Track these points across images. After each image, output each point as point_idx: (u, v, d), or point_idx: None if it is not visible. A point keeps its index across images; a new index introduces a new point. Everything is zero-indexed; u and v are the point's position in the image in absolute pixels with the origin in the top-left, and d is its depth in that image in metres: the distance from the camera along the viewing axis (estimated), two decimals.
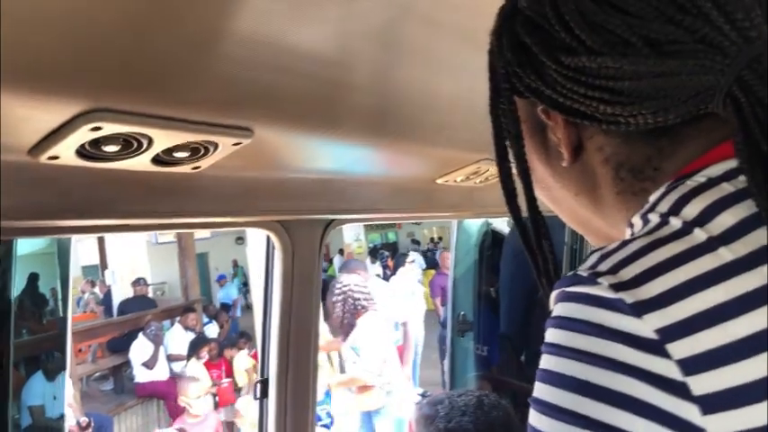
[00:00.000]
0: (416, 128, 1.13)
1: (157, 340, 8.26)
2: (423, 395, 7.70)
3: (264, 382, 1.18)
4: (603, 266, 0.49)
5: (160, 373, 8.31)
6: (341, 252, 16.82)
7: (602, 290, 0.47)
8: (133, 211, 0.85)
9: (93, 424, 6.83)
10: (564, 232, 2.51)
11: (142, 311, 9.30)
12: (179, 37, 0.66)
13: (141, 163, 0.78)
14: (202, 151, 0.81)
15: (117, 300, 11.10)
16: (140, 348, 8.23)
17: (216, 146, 0.81)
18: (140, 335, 8.26)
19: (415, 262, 9.79)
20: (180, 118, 0.74)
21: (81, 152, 0.72)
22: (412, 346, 7.50)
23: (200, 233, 12.05)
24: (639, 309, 0.46)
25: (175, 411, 8.12)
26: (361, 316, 3.53)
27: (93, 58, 0.62)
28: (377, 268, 14.99)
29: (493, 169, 1.44)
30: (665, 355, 0.45)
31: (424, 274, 12.85)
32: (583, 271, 0.50)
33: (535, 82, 0.57)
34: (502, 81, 0.61)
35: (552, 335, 0.50)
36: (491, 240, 2.45)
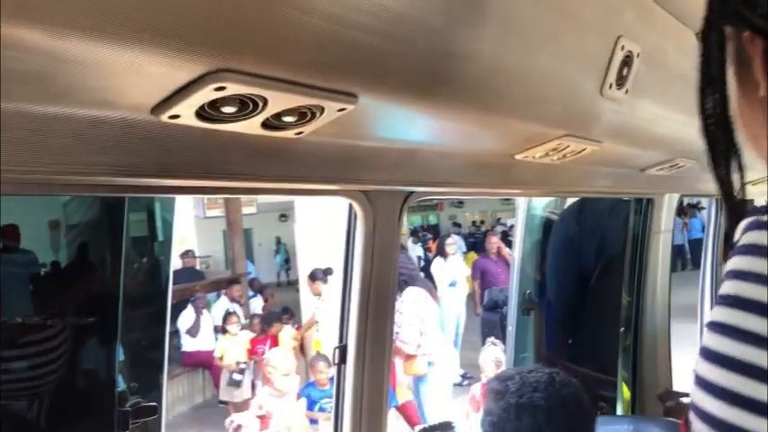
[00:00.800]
0: (506, 99, 1.13)
1: (200, 310, 8.44)
2: (463, 376, 7.68)
3: (343, 348, 1.21)
4: None
5: (206, 343, 8.51)
6: None
7: None
8: (240, 174, 0.87)
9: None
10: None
11: (190, 283, 9.51)
12: (294, 2, 0.67)
13: (252, 126, 0.80)
14: (309, 116, 0.83)
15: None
16: (187, 318, 8.43)
17: (322, 110, 0.83)
18: (189, 305, 8.46)
19: (455, 244, 9.78)
20: (293, 80, 0.75)
21: (200, 113, 0.74)
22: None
23: (245, 208, 12.22)
24: None
25: (219, 381, 8.33)
26: (404, 290, 3.67)
27: (218, 20, 0.64)
28: (418, 249, 15.00)
29: (572, 146, 1.43)
30: None
31: (465, 258, 12.83)
32: None
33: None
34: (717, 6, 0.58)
35: (738, 262, 0.48)
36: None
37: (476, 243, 14.38)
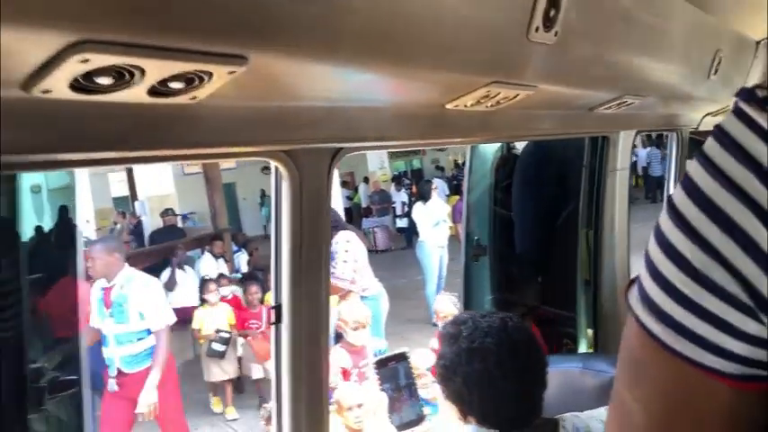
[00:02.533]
0: (422, 51, 1.10)
1: (176, 265, 8.46)
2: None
3: (278, 308, 1.21)
4: None
5: (191, 299, 8.57)
6: (365, 180, 16.88)
7: (763, 118, 0.47)
8: (132, 144, 0.86)
9: None
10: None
11: (172, 241, 9.51)
12: None
13: (137, 95, 0.78)
14: (197, 81, 0.80)
15: (147, 230, 11.36)
16: (165, 275, 8.47)
17: (210, 75, 0.80)
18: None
19: (438, 188, 9.80)
20: (170, 47, 0.73)
21: (74, 85, 0.72)
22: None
23: (225, 163, 12.13)
24: None
25: None
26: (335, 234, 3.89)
27: None
28: (402, 195, 15.04)
29: (504, 92, 1.41)
30: None
31: (448, 200, 12.87)
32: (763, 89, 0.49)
33: None
34: None
35: (706, 143, 0.51)
36: (506, 163, 2.43)
37: (459, 185, 14.40)
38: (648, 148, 16.00)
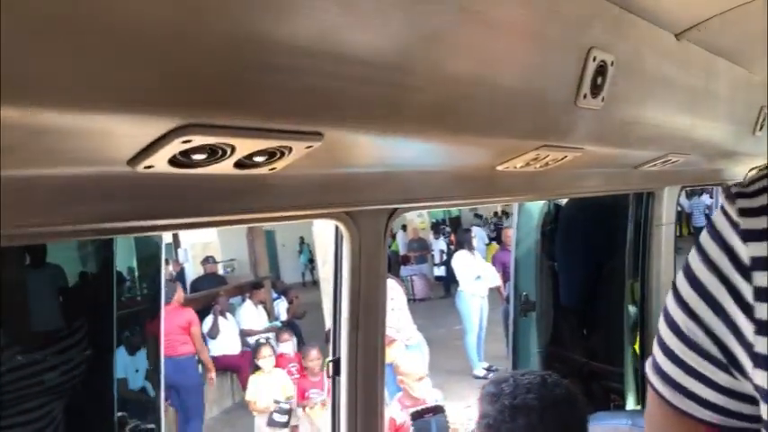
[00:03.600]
0: (475, 120, 1.18)
1: (218, 313, 8.52)
2: (488, 369, 7.70)
3: (336, 362, 1.27)
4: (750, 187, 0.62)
5: (233, 347, 8.66)
6: (404, 228, 16.94)
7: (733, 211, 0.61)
8: (217, 210, 0.94)
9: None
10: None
11: (214, 288, 9.67)
12: (253, 56, 0.73)
13: (225, 168, 0.86)
14: (278, 155, 0.89)
15: (190, 277, 11.57)
16: (208, 323, 8.59)
17: (290, 149, 0.89)
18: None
19: (477, 237, 9.80)
20: (259, 127, 0.81)
21: (173, 161, 0.81)
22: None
23: None
24: (747, 236, 0.58)
25: (247, 384, 8.46)
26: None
27: (183, 79, 0.70)
28: (441, 243, 15.03)
29: (552, 155, 1.47)
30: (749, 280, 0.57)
31: (488, 249, 12.82)
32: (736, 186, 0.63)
33: None
34: None
35: (702, 234, 0.65)
36: (552, 218, 2.47)
37: (499, 234, 14.36)
38: (692, 199, 15.77)
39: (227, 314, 8.92)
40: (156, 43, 0.65)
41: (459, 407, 4.44)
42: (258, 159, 0.88)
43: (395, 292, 4.36)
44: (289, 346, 7.45)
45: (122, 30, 0.61)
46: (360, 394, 1.28)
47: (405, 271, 14.95)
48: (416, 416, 1.82)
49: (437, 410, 1.81)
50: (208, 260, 10.75)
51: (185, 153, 0.80)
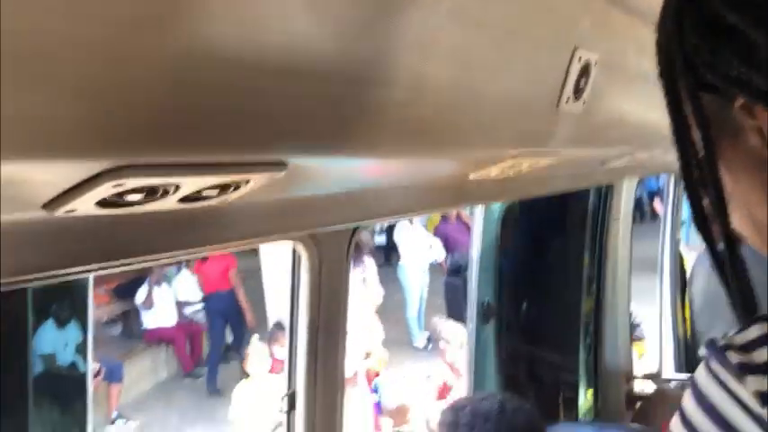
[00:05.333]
0: (455, 133, 1.05)
1: (153, 283, 8.24)
2: (428, 340, 7.71)
3: (292, 396, 1.14)
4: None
5: (168, 318, 8.40)
6: None
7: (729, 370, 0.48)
8: (157, 248, 0.78)
9: (103, 369, 6.94)
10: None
11: None
12: (198, 79, 0.58)
13: (168, 204, 0.71)
14: (233, 188, 0.73)
15: None
16: (142, 293, 8.30)
17: (248, 181, 0.73)
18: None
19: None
20: (209, 163, 0.66)
21: (102, 203, 0.64)
22: None
23: None
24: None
25: (183, 356, 8.26)
26: None
27: (113, 112, 0.54)
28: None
29: (527, 163, 1.36)
30: None
31: (428, 221, 12.82)
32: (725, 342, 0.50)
33: (737, 69, 0.47)
34: (683, 75, 0.51)
35: (686, 397, 0.51)
36: (513, 214, 2.40)
37: None
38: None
39: (164, 284, 8.63)
40: (79, 70, 0.48)
41: (398, 377, 4.43)
42: (208, 194, 0.72)
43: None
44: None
45: (34, 54, 0.45)
46: (318, 430, 1.16)
47: None
48: None
49: None
50: None
51: (118, 194, 0.64)
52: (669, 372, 2.95)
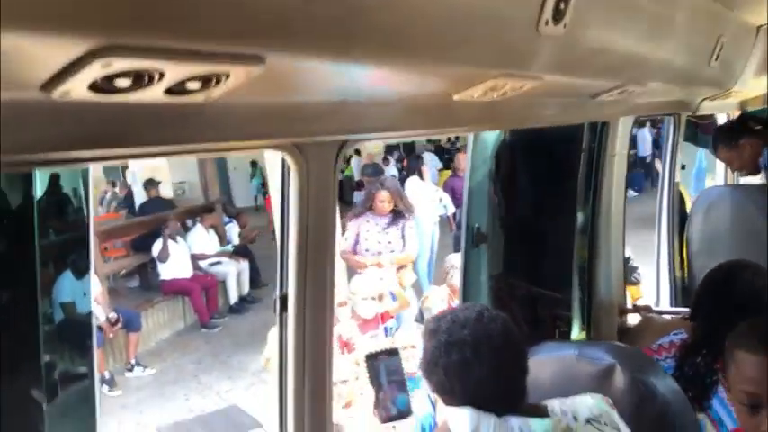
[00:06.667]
0: (433, 45, 1.10)
1: (167, 236, 8.40)
2: None
3: (284, 298, 1.23)
4: None
5: (184, 271, 8.59)
6: (357, 152, 16.81)
7: None
8: (145, 141, 0.86)
9: (121, 319, 7.15)
10: None
11: (162, 212, 9.48)
12: None
13: (154, 95, 0.78)
14: (214, 81, 0.80)
15: (138, 200, 11.30)
16: (158, 246, 8.47)
17: (227, 75, 0.80)
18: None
19: (428, 164, 9.77)
20: (190, 50, 0.72)
21: (94, 87, 0.72)
22: None
23: None
24: None
25: (199, 307, 8.46)
26: None
27: None
28: (392, 169, 14.98)
29: (511, 84, 1.41)
30: None
31: (440, 175, 12.84)
32: None
33: None
34: None
35: None
36: (506, 146, 2.44)
37: (451, 159, 14.37)
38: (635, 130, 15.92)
39: (179, 238, 8.80)
40: None
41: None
42: (192, 86, 0.79)
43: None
44: None
45: None
46: (308, 333, 1.24)
47: (357, 196, 14.94)
48: (370, 357, 1.83)
49: (391, 353, 1.81)
50: (151, 184, 10.46)
51: (108, 79, 0.71)
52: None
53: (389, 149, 16.75)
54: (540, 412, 1.47)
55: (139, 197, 11.35)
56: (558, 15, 1.30)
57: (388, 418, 1.74)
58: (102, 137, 0.80)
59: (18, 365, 1.90)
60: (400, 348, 2.07)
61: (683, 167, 3.47)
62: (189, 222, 9.83)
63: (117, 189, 12.10)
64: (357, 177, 16.29)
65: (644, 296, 3.88)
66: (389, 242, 4.69)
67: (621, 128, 2.50)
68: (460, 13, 1.09)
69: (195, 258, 8.85)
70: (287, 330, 1.24)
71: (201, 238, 9.17)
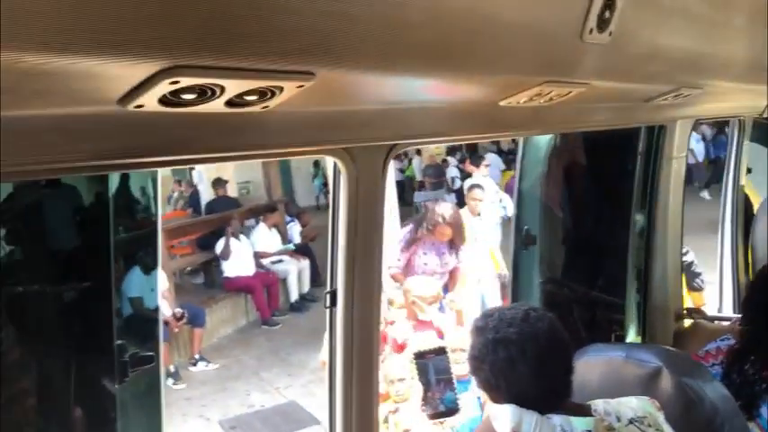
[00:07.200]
0: (476, 56, 1.15)
1: (230, 235, 8.64)
2: None
3: (333, 293, 1.30)
4: None
5: (247, 269, 8.84)
6: (418, 152, 16.85)
7: None
8: (209, 148, 0.94)
9: (186, 314, 7.42)
10: None
11: (227, 210, 9.77)
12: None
13: (216, 107, 0.86)
14: (269, 94, 0.88)
15: (204, 198, 11.68)
16: (221, 244, 8.73)
17: (281, 89, 0.88)
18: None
19: (491, 165, 9.70)
20: (247, 68, 0.81)
21: (163, 100, 0.81)
22: None
23: None
24: None
25: (261, 304, 8.69)
26: None
27: (170, 21, 0.69)
28: (453, 170, 14.93)
29: (556, 90, 1.45)
30: None
31: (503, 176, 12.73)
32: None
33: None
34: None
35: None
36: (559, 150, 2.44)
37: (515, 160, 14.17)
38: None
39: (242, 236, 9.05)
40: None
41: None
42: (250, 98, 0.88)
43: None
44: None
45: None
46: (356, 328, 1.31)
47: (418, 197, 14.96)
48: (419, 356, 1.87)
49: (439, 352, 1.85)
50: (219, 183, 10.80)
51: (175, 93, 0.80)
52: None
53: (451, 150, 16.73)
54: (584, 412, 1.49)
55: (205, 196, 11.70)
56: (602, 24, 1.33)
57: (435, 415, 1.79)
58: (171, 144, 0.89)
59: (93, 354, 2.05)
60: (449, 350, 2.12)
61: (749, 171, 3.38)
62: (253, 221, 10.11)
63: (183, 188, 12.51)
64: (419, 178, 16.33)
65: (706, 303, 3.80)
66: (446, 263, 4.81)
67: (679, 130, 2.47)
68: (502, 25, 1.14)
69: (258, 256, 9.10)
70: (335, 325, 1.32)
71: (264, 237, 9.42)
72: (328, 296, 1.30)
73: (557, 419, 1.44)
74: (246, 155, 1.04)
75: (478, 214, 5.90)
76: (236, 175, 13.37)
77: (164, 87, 0.77)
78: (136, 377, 2.02)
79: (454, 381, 1.79)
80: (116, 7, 0.64)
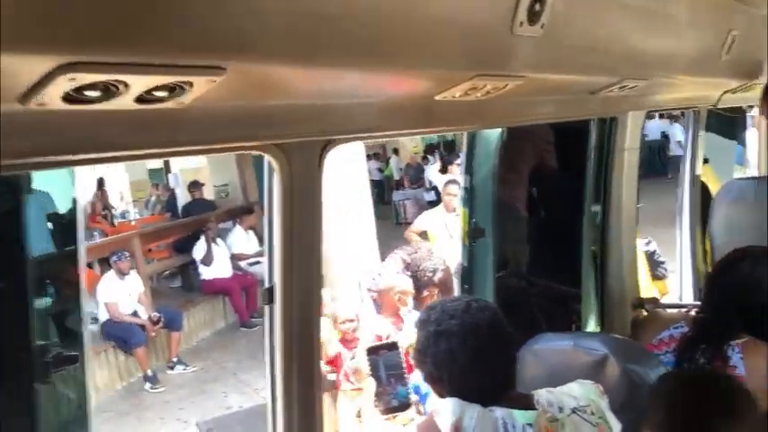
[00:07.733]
0: (404, 49, 1.16)
1: (211, 240, 8.57)
2: None
3: (270, 290, 1.31)
4: None
5: (224, 271, 8.79)
6: (395, 152, 16.87)
7: None
8: (122, 145, 0.94)
9: (163, 318, 7.38)
10: None
11: (204, 214, 9.72)
12: None
13: (125, 103, 0.86)
14: (179, 90, 0.88)
15: (181, 202, 11.61)
16: (200, 249, 8.68)
17: (191, 84, 0.88)
18: (201, 236, 8.68)
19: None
20: (149, 63, 0.81)
21: (67, 98, 0.81)
22: None
23: None
24: None
25: (239, 307, 8.65)
26: None
27: (69, 16, 0.69)
28: (430, 169, 15.00)
29: (491, 84, 1.46)
30: None
31: None
32: None
33: None
34: None
35: None
36: (508, 143, 2.45)
37: None
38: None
39: (218, 239, 9.01)
40: None
41: None
42: (160, 94, 0.88)
43: None
44: None
45: None
46: (295, 325, 1.32)
47: (397, 195, 15.02)
48: (371, 351, 1.88)
49: (391, 347, 1.85)
50: (195, 186, 10.74)
51: (78, 90, 0.80)
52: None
53: (429, 148, 16.77)
54: (528, 403, 1.50)
55: (182, 200, 11.63)
56: (533, 16, 1.34)
57: (388, 410, 1.80)
58: (80, 142, 0.89)
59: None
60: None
61: (705, 161, 3.44)
62: (230, 223, 10.06)
63: (160, 192, 12.43)
64: (397, 177, 16.36)
65: (670, 292, 3.85)
66: None
67: (631, 122, 2.50)
68: (429, 18, 1.14)
69: (235, 259, 9.06)
70: (274, 322, 1.32)
71: (241, 239, 9.38)
72: (265, 293, 1.30)
73: (499, 412, 1.45)
74: (164, 152, 1.04)
75: (454, 210, 5.89)
76: (214, 178, 13.30)
77: (64, 84, 0.76)
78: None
79: (406, 376, 1.80)
80: (14, 3, 0.64)
